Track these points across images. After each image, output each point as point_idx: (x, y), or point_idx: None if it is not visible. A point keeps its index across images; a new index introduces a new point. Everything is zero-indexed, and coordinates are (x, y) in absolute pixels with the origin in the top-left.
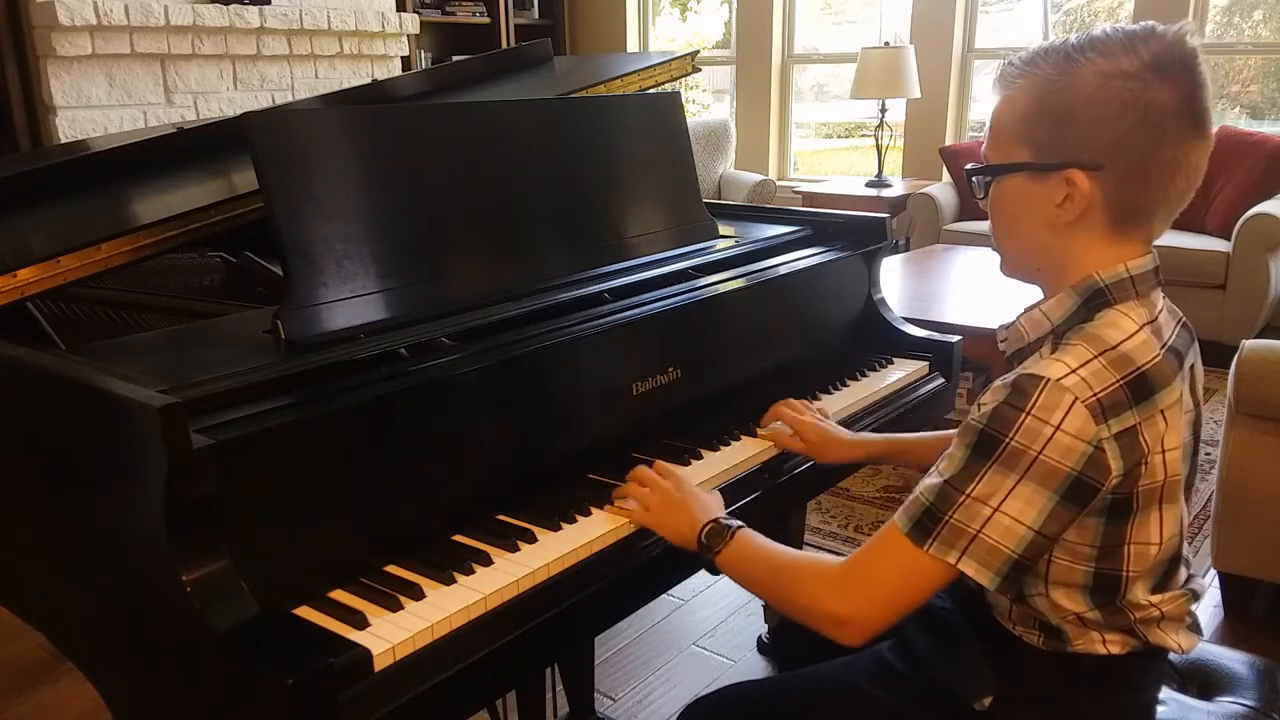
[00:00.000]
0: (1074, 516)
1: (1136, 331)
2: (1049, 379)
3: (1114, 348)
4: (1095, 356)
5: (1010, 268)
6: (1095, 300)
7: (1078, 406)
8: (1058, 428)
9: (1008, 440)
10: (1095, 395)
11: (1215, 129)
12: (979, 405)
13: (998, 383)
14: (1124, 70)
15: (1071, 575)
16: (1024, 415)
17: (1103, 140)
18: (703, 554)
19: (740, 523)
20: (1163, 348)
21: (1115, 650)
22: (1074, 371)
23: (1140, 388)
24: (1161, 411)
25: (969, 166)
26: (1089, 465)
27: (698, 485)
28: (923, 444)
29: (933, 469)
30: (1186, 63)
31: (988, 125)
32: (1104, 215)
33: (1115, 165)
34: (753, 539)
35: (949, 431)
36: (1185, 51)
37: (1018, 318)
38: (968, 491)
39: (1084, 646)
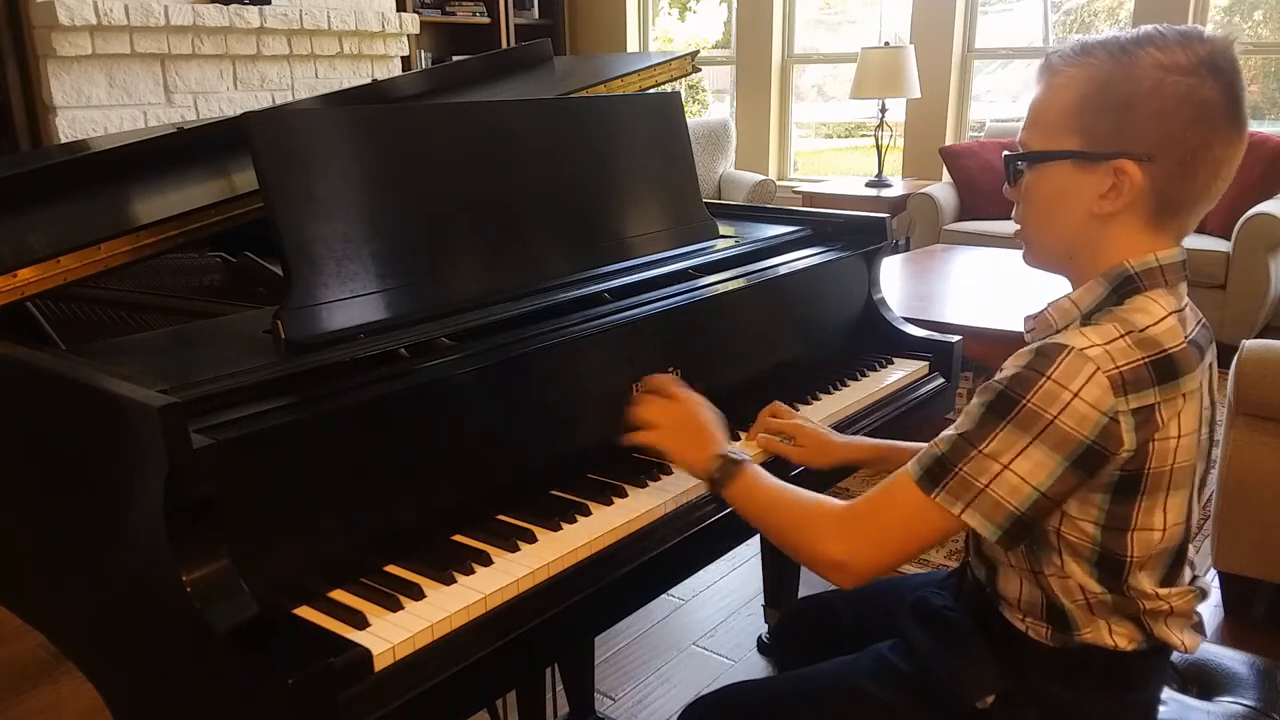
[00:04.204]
0: (1081, 482)
1: (1165, 317)
2: (1073, 348)
3: (1141, 330)
4: (1122, 335)
5: (1038, 257)
6: (1125, 287)
7: (1099, 376)
8: (1076, 394)
9: (1024, 401)
10: (1118, 368)
11: None
12: (1001, 368)
13: (1023, 349)
14: (1181, 65)
15: (1079, 548)
16: (1044, 379)
17: (1159, 133)
18: (711, 488)
19: (747, 455)
20: (1188, 337)
21: (1122, 644)
22: (1099, 345)
23: (1165, 369)
24: (1183, 395)
25: (1007, 152)
26: (1102, 435)
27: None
28: (914, 452)
29: (951, 425)
30: (1235, 66)
31: (1028, 113)
32: (1147, 207)
33: (1167, 158)
34: (757, 475)
35: None
36: (1233, 56)
37: (1045, 307)
38: (980, 447)
39: (1092, 636)
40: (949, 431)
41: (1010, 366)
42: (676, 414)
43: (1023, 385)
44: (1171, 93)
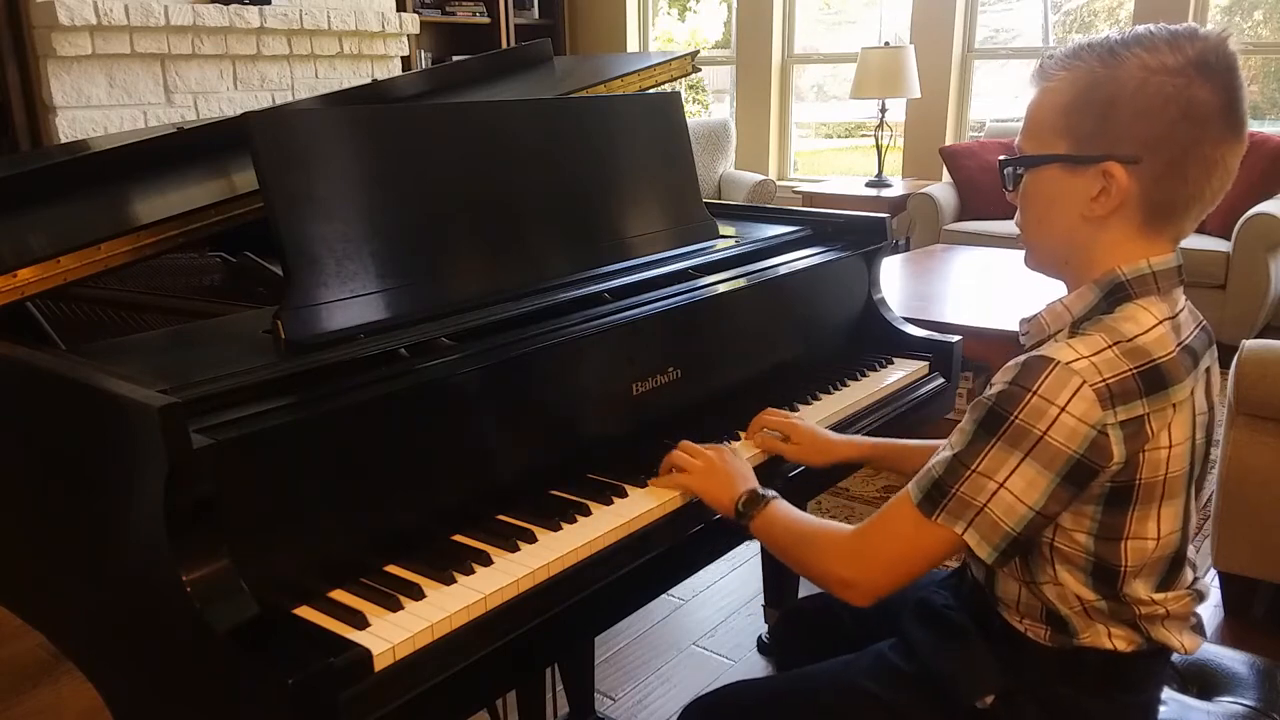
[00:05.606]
0: (1073, 497)
1: (1154, 326)
2: (1058, 362)
3: (1129, 340)
4: (1109, 346)
5: (1037, 261)
6: (1116, 294)
7: (1085, 390)
8: (1063, 409)
9: (1012, 418)
10: (1104, 381)
11: None
12: (991, 383)
13: (1011, 363)
14: (1168, 65)
15: (1073, 558)
16: (1030, 395)
17: (1143, 134)
18: (738, 520)
19: (774, 493)
20: (1179, 345)
21: (1121, 646)
22: (1085, 357)
23: (1153, 379)
24: (1173, 404)
25: (1002, 158)
26: (1091, 449)
27: None
28: (910, 451)
29: (945, 443)
30: (1228, 64)
31: (1023, 118)
32: (1138, 210)
33: (1154, 160)
34: (781, 508)
35: (937, 441)
36: (1227, 53)
37: (1040, 310)
38: (973, 466)
39: (1090, 639)
40: (944, 453)
41: (998, 382)
42: (707, 459)
43: (1010, 401)
44: (1156, 93)
